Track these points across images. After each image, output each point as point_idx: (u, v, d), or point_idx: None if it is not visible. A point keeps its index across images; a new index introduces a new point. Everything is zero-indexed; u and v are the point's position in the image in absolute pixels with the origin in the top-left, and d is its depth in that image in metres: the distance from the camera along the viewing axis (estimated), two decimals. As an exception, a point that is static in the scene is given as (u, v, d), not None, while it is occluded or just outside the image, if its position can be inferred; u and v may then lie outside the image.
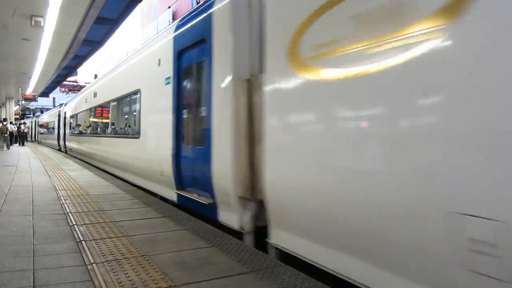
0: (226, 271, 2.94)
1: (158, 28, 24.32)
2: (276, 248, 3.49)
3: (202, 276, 2.83)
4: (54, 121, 24.06)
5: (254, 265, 3.08)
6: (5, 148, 20.71)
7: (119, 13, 13.07)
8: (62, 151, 20.18)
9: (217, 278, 2.80)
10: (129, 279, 2.75)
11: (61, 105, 23.39)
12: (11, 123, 26.11)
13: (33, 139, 38.92)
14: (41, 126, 33.56)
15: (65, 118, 19.18)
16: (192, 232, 4.04)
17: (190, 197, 5.05)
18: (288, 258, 3.27)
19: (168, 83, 5.79)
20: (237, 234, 4.04)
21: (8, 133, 21.15)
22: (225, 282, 2.75)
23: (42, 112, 42.58)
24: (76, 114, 15.85)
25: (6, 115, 28.04)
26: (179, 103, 5.56)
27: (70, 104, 18.30)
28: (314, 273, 3.01)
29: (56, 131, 23.02)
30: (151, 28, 27.07)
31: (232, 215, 4.17)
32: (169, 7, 24.66)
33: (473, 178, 1.79)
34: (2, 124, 21.15)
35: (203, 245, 3.60)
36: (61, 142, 20.65)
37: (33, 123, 40.22)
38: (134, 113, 7.98)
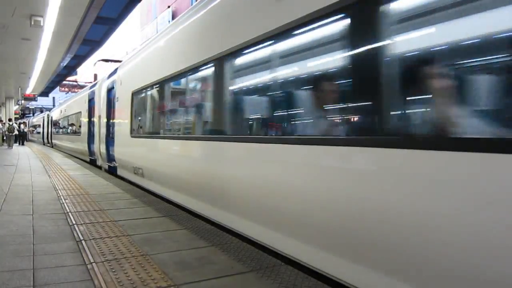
0: (226, 270, 2.94)
1: (157, 27, 24.31)
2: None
3: (202, 275, 2.83)
4: (80, 113, 14.97)
5: (254, 264, 3.08)
6: (5, 146, 21.27)
7: (118, 12, 13.05)
8: (99, 166, 11.39)
9: (217, 277, 2.80)
10: (129, 278, 2.75)
11: (94, 85, 13.21)
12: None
13: (45, 141, 29.69)
14: (56, 124, 23.25)
15: (112, 99, 9.47)
16: (192, 231, 4.04)
17: None
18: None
19: None
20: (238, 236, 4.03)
21: (15, 132, 22.40)
22: (225, 281, 2.75)
23: (42, 111, 41.32)
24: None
25: (6, 115, 28.11)
26: None
27: (137, 60, 7.90)
28: (314, 273, 3.01)
29: (85, 129, 13.53)
30: (150, 28, 27.06)
31: None
32: (169, 6, 24.63)
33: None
34: (9, 124, 22.33)
35: (203, 244, 3.60)
36: (99, 149, 11.14)
37: (45, 120, 29.40)
38: None
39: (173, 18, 23.04)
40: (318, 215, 2.84)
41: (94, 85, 13.15)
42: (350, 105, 2.82)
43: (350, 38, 2.65)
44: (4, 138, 22.47)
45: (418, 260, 2.13)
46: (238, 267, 3.01)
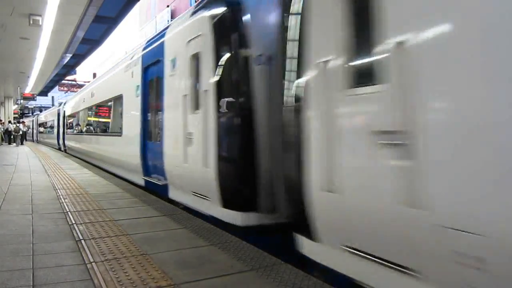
0: (226, 269, 2.94)
1: (156, 27, 24.28)
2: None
3: (202, 274, 2.82)
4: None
5: (254, 263, 3.08)
6: (4, 144, 22.31)
7: (117, 11, 13.05)
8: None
9: (217, 276, 2.80)
10: (129, 278, 2.74)
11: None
12: (10, 122, 26.40)
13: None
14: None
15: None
16: (192, 230, 4.04)
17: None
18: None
19: None
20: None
21: (21, 132, 25.24)
22: (225, 280, 2.75)
23: (41, 111, 41.24)
24: None
25: (5, 114, 28.18)
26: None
27: None
28: (314, 272, 3.02)
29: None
30: (150, 27, 27.01)
31: None
32: (168, 6, 24.59)
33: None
34: (16, 125, 25.28)
35: (202, 243, 3.60)
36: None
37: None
38: None
39: (172, 17, 23.00)
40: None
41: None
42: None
43: None
44: (11, 137, 25.10)
45: None
46: (238, 266, 3.01)
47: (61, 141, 20.56)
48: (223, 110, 4.13)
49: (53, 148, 22.87)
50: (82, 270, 2.90)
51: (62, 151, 19.71)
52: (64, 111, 18.92)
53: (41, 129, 33.68)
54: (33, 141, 35.28)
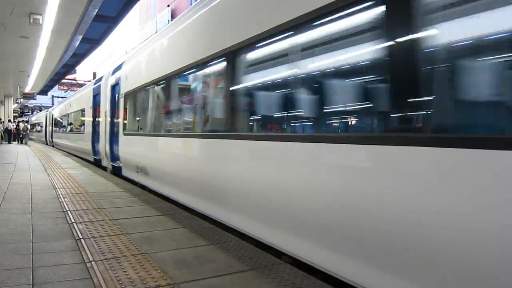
0: (226, 269, 2.94)
1: (157, 26, 24.26)
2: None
3: (201, 274, 2.83)
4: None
5: (254, 263, 3.08)
6: (7, 142, 24.24)
7: (117, 11, 13.06)
8: None
9: (216, 276, 2.80)
10: (128, 277, 2.74)
11: None
12: (9, 121, 26.43)
13: None
14: None
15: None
16: (191, 230, 4.04)
17: None
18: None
19: None
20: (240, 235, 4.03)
21: (28, 131, 27.39)
22: (224, 280, 2.75)
23: (41, 110, 40.94)
24: None
25: (5, 113, 28.22)
26: None
27: None
28: (313, 272, 3.02)
29: None
30: (150, 27, 27.01)
31: None
32: (168, 5, 24.60)
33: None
34: (25, 124, 27.33)
35: (202, 243, 3.60)
36: None
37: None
38: None
39: (172, 17, 22.98)
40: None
41: None
42: None
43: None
44: (20, 136, 26.73)
45: None
46: (237, 266, 3.01)
47: (102, 148, 10.35)
48: None
49: (83, 160, 13.18)
50: (82, 269, 2.90)
51: (102, 167, 10.51)
52: (118, 85, 8.68)
53: (58, 127, 21.47)
54: (46, 144, 26.39)
